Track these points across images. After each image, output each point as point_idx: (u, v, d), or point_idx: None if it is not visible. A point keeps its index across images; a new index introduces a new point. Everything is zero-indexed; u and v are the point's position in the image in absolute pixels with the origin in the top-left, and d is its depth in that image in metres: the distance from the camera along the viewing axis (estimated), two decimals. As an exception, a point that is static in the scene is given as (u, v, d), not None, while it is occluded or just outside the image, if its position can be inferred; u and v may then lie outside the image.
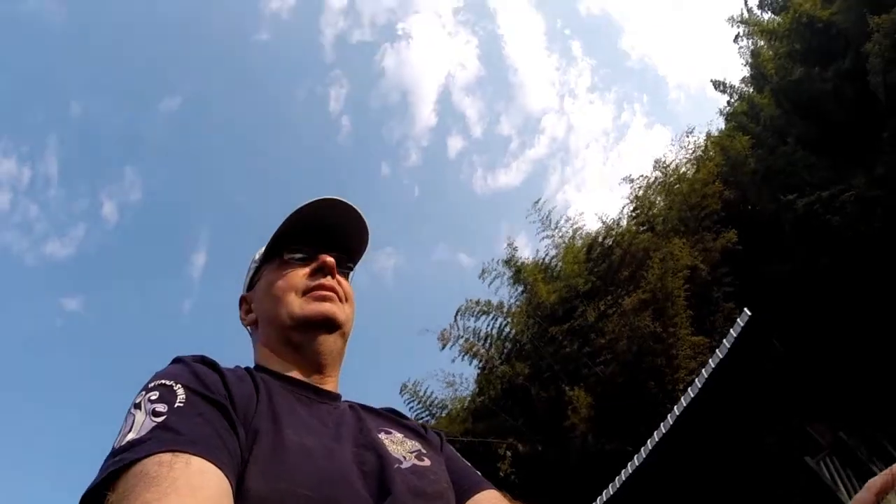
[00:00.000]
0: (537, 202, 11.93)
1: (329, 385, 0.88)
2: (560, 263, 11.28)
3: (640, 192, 11.95)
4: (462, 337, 11.48)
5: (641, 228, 10.45)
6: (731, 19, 13.96)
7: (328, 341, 0.88)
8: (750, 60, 14.12)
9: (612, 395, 8.72)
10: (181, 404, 0.63)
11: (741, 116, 12.66)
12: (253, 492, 0.61)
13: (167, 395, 0.64)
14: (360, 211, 0.95)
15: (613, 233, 10.82)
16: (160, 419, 0.61)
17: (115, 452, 0.59)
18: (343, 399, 0.90)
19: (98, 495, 0.55)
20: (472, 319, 11.99)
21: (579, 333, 9.40)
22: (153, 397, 0.64)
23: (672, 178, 11.90)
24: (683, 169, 12.06)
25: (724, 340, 5.47)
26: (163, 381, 0.67)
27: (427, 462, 0.82)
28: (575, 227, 11.90)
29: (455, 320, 11.78)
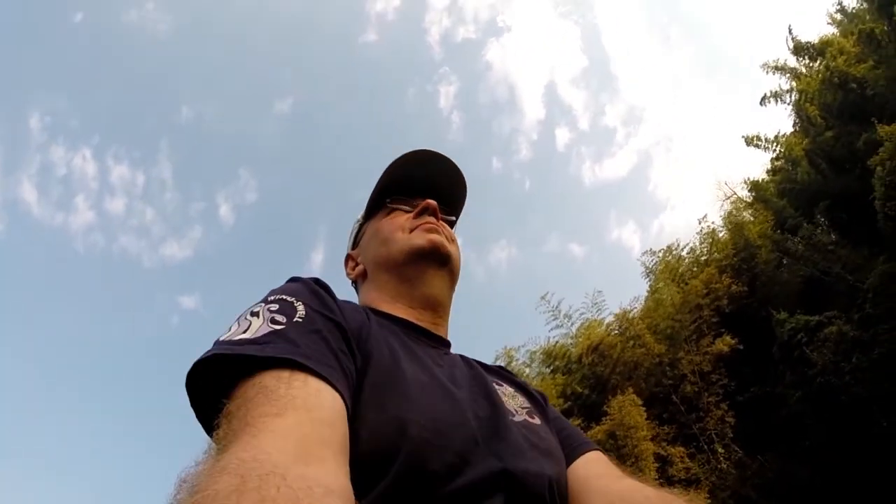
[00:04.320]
0: (545, 296, 12.27)
1: (440, 331, 0.88)
2: (560, 363, 11.75)
3: (650, 285, 11.83)
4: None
5: (629, 343, 10.54)
6: (766, 66, 12.54)
7: (438, 277, 0.88)
8: (794, 100, 12.67)
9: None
10: (300, 319, 0.63)
11: (765, 187, 11.69)
12: (367, 416, 0.60)
13: (287, 309, 0.64)
14: (455, 163, 0.98)
15: (607, 340, 10.99)
16: (279, 327, 0.60)
17: (224, 343, 0.58)
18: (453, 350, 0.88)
19: (201, 373, 0.57)
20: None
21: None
22: (273, 308, 0.64)
23: (683, 268, 11.57)
24: (693, 259, 11.66)
25: None
26: (283, 297, 0.66)
27: (537, 420, 0.82)
28: (584, 321, 12.09)
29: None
